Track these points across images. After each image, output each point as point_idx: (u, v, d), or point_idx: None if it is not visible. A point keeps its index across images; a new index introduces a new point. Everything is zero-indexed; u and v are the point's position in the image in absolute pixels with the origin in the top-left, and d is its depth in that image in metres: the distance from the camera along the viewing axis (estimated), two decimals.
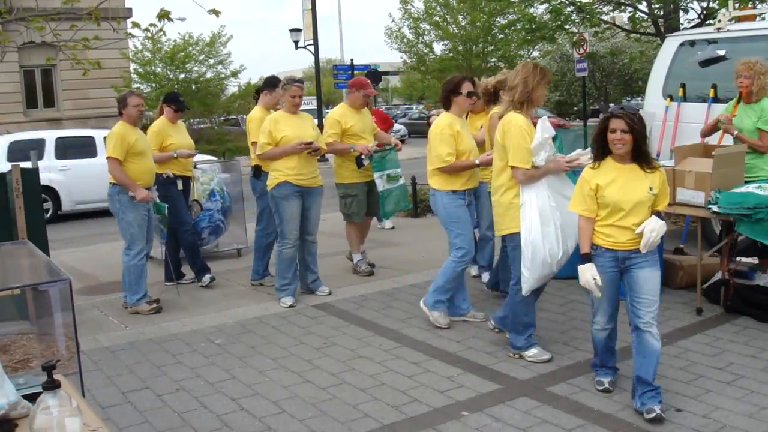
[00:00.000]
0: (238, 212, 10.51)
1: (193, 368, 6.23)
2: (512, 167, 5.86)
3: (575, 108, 42.40)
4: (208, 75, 33.15)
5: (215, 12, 9.25)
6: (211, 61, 33.09)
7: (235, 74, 33.94)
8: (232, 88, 35.57)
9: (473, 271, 8.53)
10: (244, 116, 39.58)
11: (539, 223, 5.77)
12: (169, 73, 31.98)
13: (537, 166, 5.78)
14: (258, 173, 8.59)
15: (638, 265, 5.07)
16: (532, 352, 6.11)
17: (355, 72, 34.18)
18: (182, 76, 32.04)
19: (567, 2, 17.99)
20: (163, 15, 8.94)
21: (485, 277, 8.31)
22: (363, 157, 8.47)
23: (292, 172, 7.76)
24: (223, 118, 35.11)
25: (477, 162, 6.86)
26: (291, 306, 7.86)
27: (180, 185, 8.87)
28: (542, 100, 6.07)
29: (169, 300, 8.29)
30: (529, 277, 5.86)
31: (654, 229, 4.98)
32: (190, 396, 5.66)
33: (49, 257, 5.63)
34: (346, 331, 7.05)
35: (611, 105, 42.67)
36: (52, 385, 2.44)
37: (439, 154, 6.73)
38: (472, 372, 5.91)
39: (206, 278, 8.84)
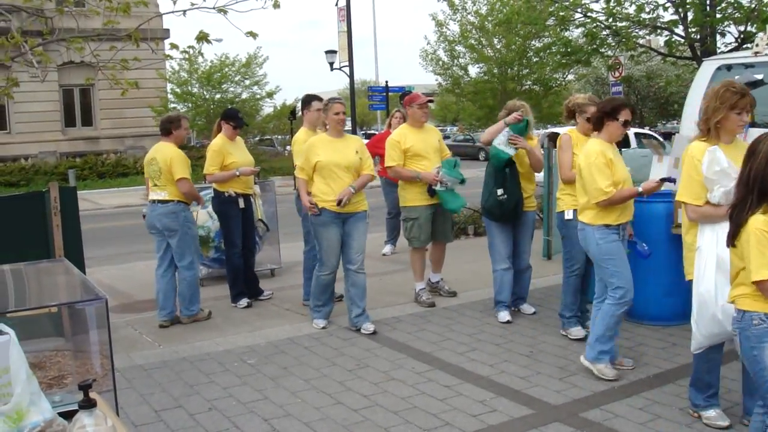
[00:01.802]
0: (272, 232, 10.53)
1: (226, 388, 6.24)
2: (682, 203, 5.21)
3: None
4: (244, 96, 33.47)
5: (252, 34, 9.31)
6: (247, 82, 33.42)
7: (270, 95, 34.23)
8: (267, 108, 35.86)
9: (506, 316, 7.94)
10: (279, 136, 39.93)
11: (714, 271, 4.94)
12: (205, 93, 32.32)
13: (713, 203, 4.98)
14: None
15: None
16: (710, 414, 5.37)
17: (390, 94, 34.32)
18: (218, 96, 32.37)
19: (602, 26, 17.92)
20: (202, 37, 9.00)
21: (527, 308, 8.21)
22: (434, 186, 8.25)
23: (329, 198, 7.47)
24: (258, 138, 35.34)
25: (640, 190, 6.16)
26: (323, 328, 7.78)
27: (242, 203, 8.88)
28: (736, 128, 5.10)
29: (201, 320, 8.32)
30: (696, 333, 5.15)
31: None
32: (222, 416, 5.67)
33: (85, 275, 5.67)
34: (378, 353, 7.04)
35: (646, 128, 42.56)
36: (88, 404, 2.45)
37: (598, 188, 6.00)
38: (505, 396, 5.88)
39: (243, 302, 8.86)
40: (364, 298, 7.81)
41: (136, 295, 9.77)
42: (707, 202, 5.00)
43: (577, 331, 7.24)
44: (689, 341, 6.76)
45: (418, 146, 8.31)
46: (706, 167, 4.95)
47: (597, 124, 6.29)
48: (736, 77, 9.61)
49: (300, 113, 9.06)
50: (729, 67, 9.84)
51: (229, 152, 8.68)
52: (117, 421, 2.76)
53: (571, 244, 7.04)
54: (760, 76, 9.32)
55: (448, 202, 8.31)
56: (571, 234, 7.01)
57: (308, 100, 8.83)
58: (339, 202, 7.37)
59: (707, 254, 4.99)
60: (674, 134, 10.31)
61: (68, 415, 2.66)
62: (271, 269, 10.69)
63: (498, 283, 7.98)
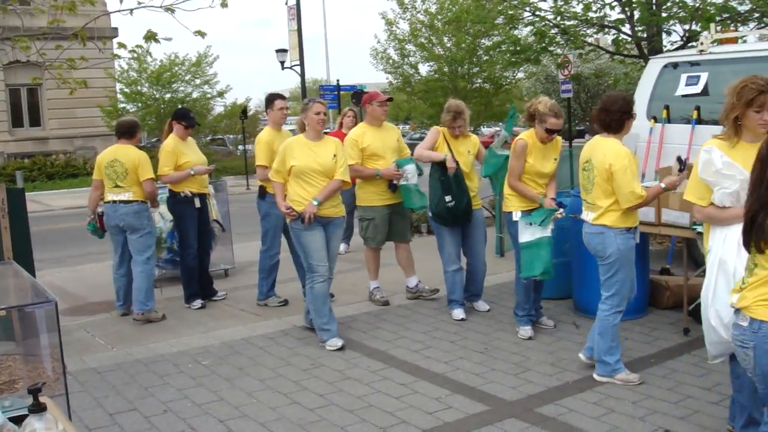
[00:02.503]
0: (225, 233, 10.47)
1: (181, 389, 6.20)
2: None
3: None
4: (195, 95, 33.24)
5: (201, 33, 9.24)
6: (198, 81, 33.18)
7: (221, 94, 34.03)
8: (218, 108, 35.64)
9: (460, 313, 7.96)
10: (231, 136, 39.70)
11: (714, 275, 4.66)
12: (155, 93, 32.01)
13: (715, 204, 4.69)
14: (263, 194, 8.44)
15: None
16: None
17: (341, 92, 34.27)
18: (168, 96, 32.08)
19: (551, 24, 18.07)
20: (150, 36, 8.91)
21: (481, 305, 8.19)
22: (395, 181, 8.22)
23: (307, 201, 7.09)
24: (209, 138, 35.11)
25: (663, 186, 6.07)
26: (341, 348, 7.07)
27: (198, 203, 8.82)
28: (757, 127, 4.65)
29: (155, 321, 8.25)
30: (706, 342, 4.85)
31: None
32: (177, 418, 5.63)
33: (35, 278, 5.59)
34: (333, 352, 7.02)
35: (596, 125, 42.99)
36: (37, 408, 2.43)
37: (633, 191, 5.80)
38: (460, 393, 5.90)
39: (197, 303, 8.80)
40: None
41: (88, 297, 9.67)
42: (712, 203, 4.72)
43: (525, 331, 7.27)
44: (641, 335, 6.90)
45: (376, 145, 8.25)
46: (701, 168, 4.72)
47: (619, 125, 6.01)
48: (682, 75, 9.73)
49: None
50: (675, 65, 9.98)
51: (182, 152, 8.63)
52: (68, 425, 2.74)
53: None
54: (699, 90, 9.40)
55: (413, 201, 8.26)
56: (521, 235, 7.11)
57: (271, 99, 8.73)
58: (303, 220, 7.05)
59: (714, 256, 4.71)
60: None
61: (19, 420, 2.62)
62: (224, 269, 10.63)
63: (450, 283, 8.02)
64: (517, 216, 7.13)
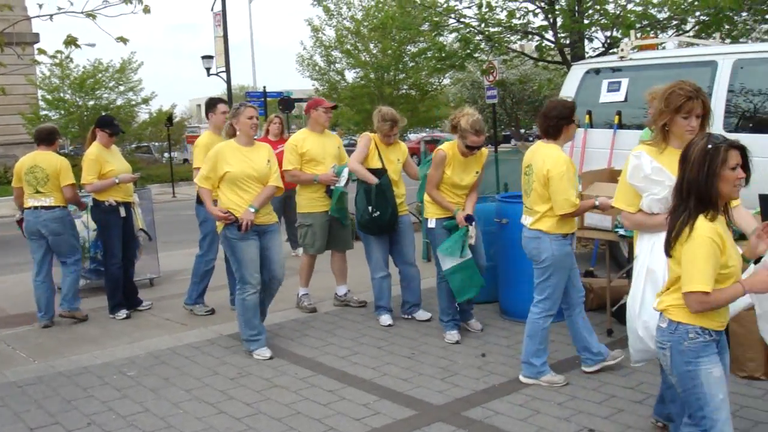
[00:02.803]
0: (150, 241, 10.33)
1: (105, 402, 6.09)
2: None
3: (487, 134, 42.99)
4: (119, 102, 32.84)
5: (123, 40, 9.16)
6: (122, 88, 32.78)
7: (146, 101, 33.68)
8: (143, 115, 35.25)
9: (387, 319, 7.99)
10: (156, 143, 39.28)
11: (642, 284, 4.70)
12: (78, 100, 31.52)
13: (646, 210, 4.74)
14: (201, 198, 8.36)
15: (724, 347, 4.07)
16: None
17: (268, 99, 34.13)
18: (92, 102, 31.64)
19: (476, 31, 18.24)
20: (70, 41, 8.81)
21: (422, 314, 8.10)
22: (332, 186, 8.17)
23: (242, 209, 6.92)
24: (134, 146, 34.68)
25: (596, 203, 6.10)
26: (270, 357, 6.99)
27: (123, 212, 8.68)
28: (684, 134, 4.58)
29: (79, 332, 8.12)
30: (629, 346, 4.95)
31: None
32: (101, 430, 5.54)
33: None
34: (261, 360, 6.98)
35: (522, 131, 43.55)
36: None
37: (567, 198, 5.84)
38: (388, 398, 5.92)
39: (122, 313, 8.67)
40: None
41: (8, 309, 9.45)
42: (640, 210, 4.77)
43: (451, 336, 7.31)
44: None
45: (315, 151, 8.21)
46: (630, 173, 4.73)
47: (555, 131, 6.01)
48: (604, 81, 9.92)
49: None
50: (597, 71, 10.16)
51: (106, 160, 8.49)
52: None
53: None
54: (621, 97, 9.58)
55: (331, 206, 8.24)
56: (437, 241, 7.22)
57: (213, 102, 8.66)
58: (239, 227, 6.88)
59: (641, 264, 4.76)
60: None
61: None
62: (150, 279, 10.50)
63: (377, 290, 8.03)
64: (432, 223, 7.27)
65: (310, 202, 8.32)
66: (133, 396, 6.20)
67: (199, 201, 8.31)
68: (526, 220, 6.18)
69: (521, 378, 6.16)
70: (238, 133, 7.12)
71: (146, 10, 8.77)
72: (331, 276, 8.93)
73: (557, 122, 5.98)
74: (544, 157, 5.96)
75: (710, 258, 3.63)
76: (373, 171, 7.74)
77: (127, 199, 8.74)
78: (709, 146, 3.70)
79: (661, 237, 4.15)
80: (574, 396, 5.80)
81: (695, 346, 3.79)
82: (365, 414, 5.64)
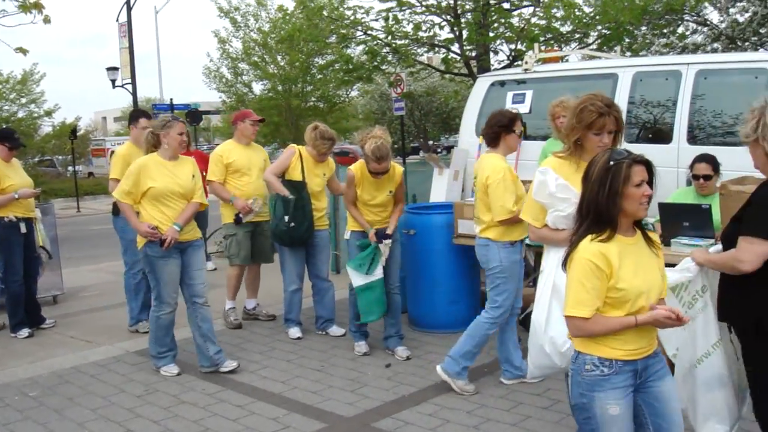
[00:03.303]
0: (50, 259, 10.08)
1: (5, 424, 5.90)
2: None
3: (395, 146, 43.31)
4: (20, 114, 32.02)
5: (22, 50, 8.96)
6: (24, 100, 31.98)
7: (49, 113, 32.92)
8: (46, 127, 34.47)
9: (296, 332, 7.95)
10: (60, 157, 38.42)
11: (548, 298, 4.61)
12: None
13: (551, 226, 4.65)
14: (118, 210, 7.88)
15: (657, 374, 3.64)
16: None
17: (175, 111, 33.73)
18: None
19: (383, 44, 18.39)
20: None
21: (335, 330, 8.00)
22: (242, 215, 8.11)
23: (166, 226, 6.65)
24: (37, 159, 33.88)
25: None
26: (178, 374, 6.85)
27: (24, 228, 8.42)
28: (595, 150, 4.33)
29: None
30: (529, 362, 4.86)
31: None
32: None
33: None
34: (168, 376, 6.87)
35: (431, 142, 43.93)
36: None
37: (504, 205, 5.85)
38: (298, 412, 5.89)
39: (24, 332, 8.41)
40: (214, 331, 7.07)
41: None
42: (546, 225, 4.68)
43: (359, 347, 7.31)
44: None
45: (241, 162, 8.15)
46: (535, 189, 4.62)
47: (493, 139, 6.08)
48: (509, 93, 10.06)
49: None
50: (502, 83, 10.31)
51: (5, 175, 8.24)
52: None
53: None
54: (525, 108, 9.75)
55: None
56: (351, 254, 7.28)
57: (136, 116, 8.47)
58: (162, 243, 6.63)
59: (546, 279, 4.67)
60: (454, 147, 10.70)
61: None
62: (53, 296, 10.23)
63: (288, 303, 7.96)
64: (347, 235, 7.32)
65: (232, 212, 8.20)
66: (35, 417, 6.03)
67: (116, 213, 8.15)
68: (475, 228, 6.26)
69: (439, 369, 6.22)
70: (165, 146, 6.77)
71: (46, 20, 8.60)
72: (272, 284, 8.84)
73: (496, 130, 6.04)
74: (484, 166, 6.06)
75: (585, 281, 3.40)
76: (293, 183, 7.68)
77: (28, 214, 8.49)
78: (611, 162, 3.44)
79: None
80: (483, 404, 5.86)
81: (590, 378, 3.49)
82: (275, 428, 5.60)
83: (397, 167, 7.13)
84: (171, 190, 6.68)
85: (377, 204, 7.15)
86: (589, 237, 3.45)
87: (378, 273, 7.05)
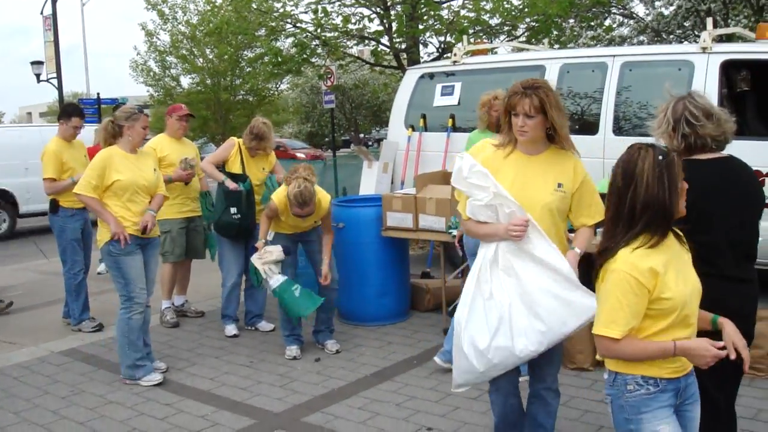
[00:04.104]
0: None
1: None
2: None
3: (326, 139, 43.26)
4: None
5: None
6: None
7: None
8: None
9: (233, 329, 7.82)
10: None
11: (471, 296, 4.16)
12: None
13: (470, 216, 4.20)
14: (55, 208, 7.90)
15: (693, 396, 3.31)
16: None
17: (102, 106, 33.18)
18: None
19: (312, 36, 18.31)
20: None
21: (264, 325, 7.95)
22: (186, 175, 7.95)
23: (131, 221, 6.44)
24: None
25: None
26: (160, 383, 6.43)
27: None
28: (518, 134, 4.10)
29: None
30: (453, 366, 4.37)
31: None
32: None
33: None
34: (94, 376, 6.73)
35: (361, 135, 43.94)
36: None
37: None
38: (226, 408, 5.83)
39: None
40: (149, 333, 6.86)
41: None
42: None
43: (290, 351, 7.02)
44: (404, 338, 7.08)
45: (174, 156, 7.99)
46: (453, 176, 4.24)
47: None
48: (438, 86, 10.09)
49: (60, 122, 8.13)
50: (432, 75, 10.36)
51: None
52: None
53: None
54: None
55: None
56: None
57: (70, 112, 8.13)
58: (144, 230, 6.47)
59: (471, 273, 4.25)
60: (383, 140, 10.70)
61: None
62: None
63: (226, 298, 7.83)
64: (270, 236, 6.98)
65: (166, 209, 7.76)
66: None
67: (53, 211, 7.96)
68: None
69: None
70: (128, 138, 6.55)
71: None
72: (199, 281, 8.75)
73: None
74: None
75: (622, 298, 3.05)
76: (234, 176, 7.58)
77: None
78: (660, 157, 3.12)
79: (492, 248, 4.05)
80: (413, 396, 5.87)
81: (635, 399, 3.15)
82: (203, 426, 5.54)
83: (322, 200, 6.84)
84: (137, 184, 6.47)
85: (306, 226, 7.01)
86: (631, 246, 3.09)
87: (274, 281, 6.81)
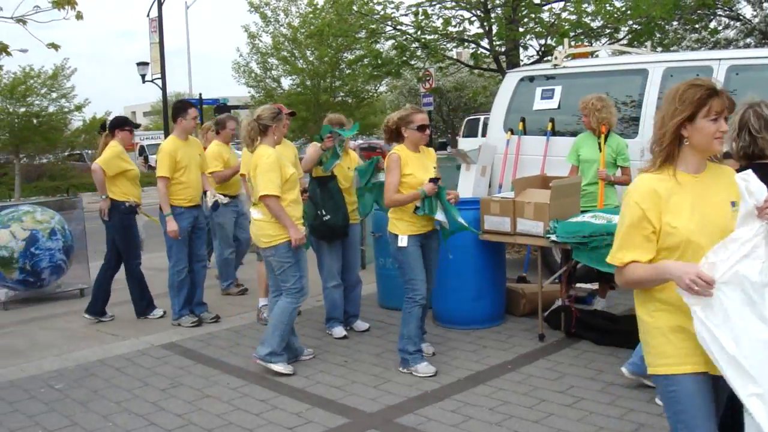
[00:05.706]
0: (80, 251, 10.14)
1: (32, 416, 5.94)
2: None
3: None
4: (51, 109, 32.17)
5: (54, 46, 9.00)
6: (54, 95, 32.13)
7: (79, 108, 33.03)
8: (76, 122, 34.63)
9: (340, 331, 7.81)
10: (90, 151, 38.75)
11: None
12: (8, 107, 30.87)
13: None
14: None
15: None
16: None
17: (204, 106, 33.88)
18: (23, 110, 30.97)
19: (412, 39, 18.37)
20: (1, 49, 8.63)
21: (360, 325, 7.96)
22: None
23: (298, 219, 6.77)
24: (67, 153, 34.09)
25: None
26: (293, 373, 6.69)
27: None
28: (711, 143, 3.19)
29: (5, 344, 7.93)
30: None
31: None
32: None
33: None
34: (192, 370, 6.89)
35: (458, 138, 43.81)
36: None
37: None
38: (320, 407, 5.88)
39: (158, 311, 8.72)
40: None
41: None
42: None
43: (424, 368, 6.54)
44: (499, 343, 7.04)
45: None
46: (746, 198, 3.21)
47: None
48: (538, 89, 10.01)
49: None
50: (531, 79, 10.28)
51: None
52: None
53: (410, 270, 6.56)
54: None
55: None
56: (409, 260, 6.55)
57: (184, 107, 8.37)
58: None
59: None
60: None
61: None
62: (80, 289, 10.27)
63: (330, 301, 7.81)
64: (403, 242, 6.55)
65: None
66: (60, 409, 6.06)
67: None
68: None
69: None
70: (274, 137, 6.79)
71: (79, 16, 8.63)
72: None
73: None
74: None
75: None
76: (322, 179, 7.63)
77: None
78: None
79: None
80: (506, 401, 5.82)
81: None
82: (298, 423, 5.60)
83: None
84: (294, 177, 6.77)
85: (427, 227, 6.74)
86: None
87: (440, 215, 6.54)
